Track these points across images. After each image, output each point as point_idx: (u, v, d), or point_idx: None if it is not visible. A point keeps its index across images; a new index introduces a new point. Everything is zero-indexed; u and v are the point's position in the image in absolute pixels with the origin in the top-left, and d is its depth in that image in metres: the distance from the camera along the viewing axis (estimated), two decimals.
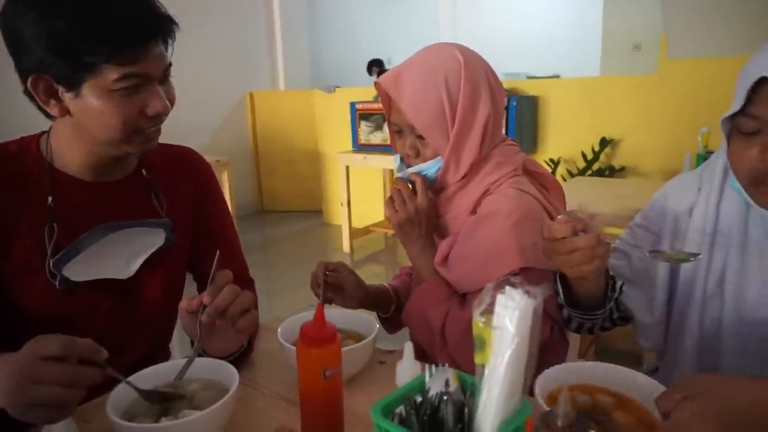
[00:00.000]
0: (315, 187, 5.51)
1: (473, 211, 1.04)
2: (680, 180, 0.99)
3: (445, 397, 0.55)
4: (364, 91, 4.70)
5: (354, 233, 4.46)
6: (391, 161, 4.02)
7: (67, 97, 0.83)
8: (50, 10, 0.77)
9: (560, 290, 0.92)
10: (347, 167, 4.28)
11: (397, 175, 1.08)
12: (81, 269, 0.90)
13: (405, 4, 8.09)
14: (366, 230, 4.61)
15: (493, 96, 1.03)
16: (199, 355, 0.82)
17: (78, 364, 0.66)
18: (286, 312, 0.95)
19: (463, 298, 1.04)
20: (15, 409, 0.65)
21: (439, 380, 0.57)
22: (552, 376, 0.73)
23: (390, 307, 1.23)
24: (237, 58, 5.65)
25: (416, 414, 0.54)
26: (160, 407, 0.74)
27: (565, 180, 3.77)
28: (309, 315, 0.70)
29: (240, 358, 0.93)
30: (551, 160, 3.90)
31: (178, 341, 1.20)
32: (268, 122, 5.83)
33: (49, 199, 0.90)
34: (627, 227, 1.03)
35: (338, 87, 5.08)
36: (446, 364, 0.60)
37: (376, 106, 4.21)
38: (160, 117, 0.88)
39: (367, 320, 0.99)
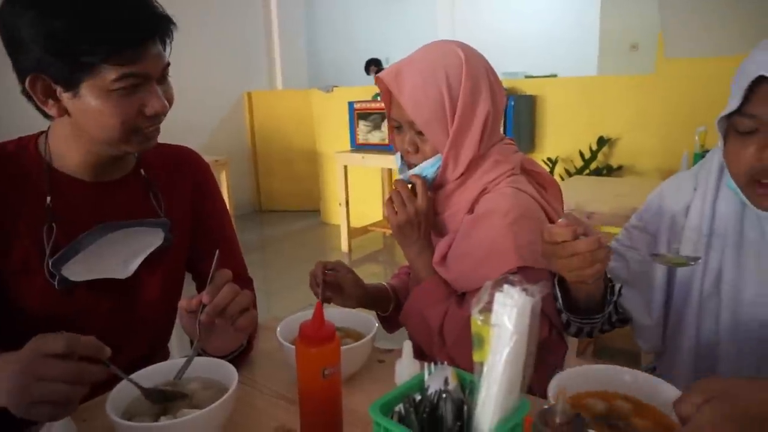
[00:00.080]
0: (313, 186, 5.51)
1: (471, 210, 1.04)
2: (675, 180, 0.99)
3: (444, 395, 0.55)
4: (363, 91, 4.70)
5: (352, 233, 4.46)
6: (390, 161, 4.02)
7: (65, 97, 0.83)
8: (48, 9, 0.77)
9: (558, 295, 0.92)
10: (345, 167, 4.29)
11: (398, 176, 1.08)
12: (80, 269, 0.90)
13: (403, 3, 8.09)
14: (364, 230, 4.62)
15: (493, 94, 1.03)
16: (199, 354, 0.82)
17: (80, 361, 0.66)
18: (284, 311, 0.95)
19: (461, 298, 1.05)
20: (18, 407, 0.65)
21: (438, 378, 0.58)
22: (565, 381, 0.71)
23: (389, 306, 1.23)
24: (235, 57, 5.65)
25: (415, 412, 0.55)
26: (160, 407, 0.74)
27: (562, 179, 3.78)
28: (308, 314, 0.70)
29: (239, 357, 0.93)
30: (549, 159, 3.90)
31: (177, 341, 1.20)
32: (266, 122, 5.83)
33: (48, 198, 0.90)
34: (623, 228, 1.03)
35: (336, 86, 5.08)
36: (445, 363, 0.61)
37: (374, 105, 4.21)
38: (158, 117, 0.88)
39: (366, 319, 0.99)
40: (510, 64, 5.75)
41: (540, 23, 7.16)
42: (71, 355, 0.66)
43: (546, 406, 0.56)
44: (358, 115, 4.27)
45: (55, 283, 0.88)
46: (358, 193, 4.60)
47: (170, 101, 0.90)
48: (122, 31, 0.79)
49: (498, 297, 0.52)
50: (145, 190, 1.01)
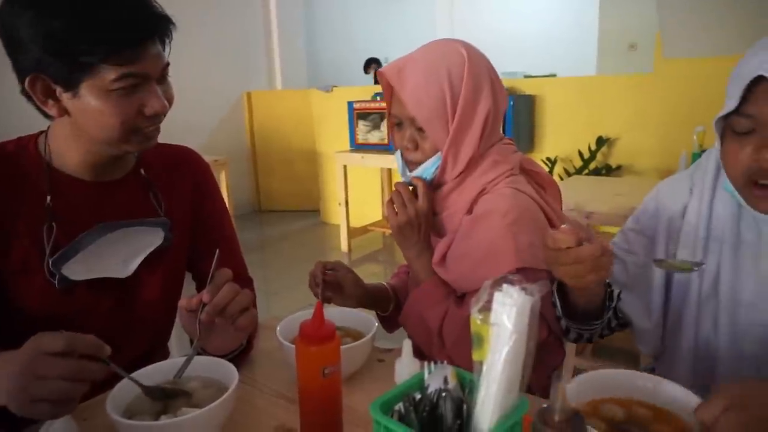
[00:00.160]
0: (313, 186, 5.51)
1: (469, 211, 1.04)
2: (671, 182, 0.99)
3: (443, 394, 0.55)
4: (362, 91, 4.70)
5: (352, 233, 4.46)
6: (390, 160, 4.02)
7: (65, 97, 0.83)
8: (46, 10, 0.77)
9: (557, 302, 0.91)
10: (345, 167, 4.29)
11: (400, 179, 1.09)
12: (80, 268, 0.90)
13: (402, 3, 8.09)
14: (364, 229, 4.62)
15: (495, 93, 1.03)
16: (199, 354, 0.82)
17: (80, 359, 0.67)
18: (284, 311, 0.95)
19: (461, 299, 1.05)
20: (18, 406, 0.65)
21: (437, 377, 0.58)
22: (582, 386, 0.70)
23: (389, 305, 1.23)
24: (234, 57, 5.64)
25: (415, 411, 0.55)
26: (160, 406, 0.74)
27: (562, 179, 3.78)
28: (308, 314, 0.70)
29: (239, 357, 0.93)
30: (548, 159, 3.91)
31: (177, 340, 1.20)
32: (265, 122, 5.83)
33: (48, 198, 0.90)
34: (620, 232, 1.02)
35: (335, 86, 5.08)
36: (444, 362, 0.61)
37: (373, 105, 4.21)
38: (158, 116, 0.88)
39: (365, 318, 1.00)
40: (509, 63, 5.75)
41: (539, 23, 7.16)
42: (71, 354, 0.66)
43: (545, 405, 0.56)
44: (357, 114, 4.27)
45: (56, 282, 0.88)
46: (357, 192, 4.60)
47: (170, 101, 0.90)
48: (121, 31, 0.79)
49: (497, 296, 0.53)
50: (145, 189, 1.01)
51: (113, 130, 0.85)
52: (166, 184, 1.04)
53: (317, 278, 1.09)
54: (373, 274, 3.92)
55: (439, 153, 1.03)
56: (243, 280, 1.12)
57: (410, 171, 1.08)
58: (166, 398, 0.75)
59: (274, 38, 5.97)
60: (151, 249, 0.98)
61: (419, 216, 1.04)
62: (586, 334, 0.96)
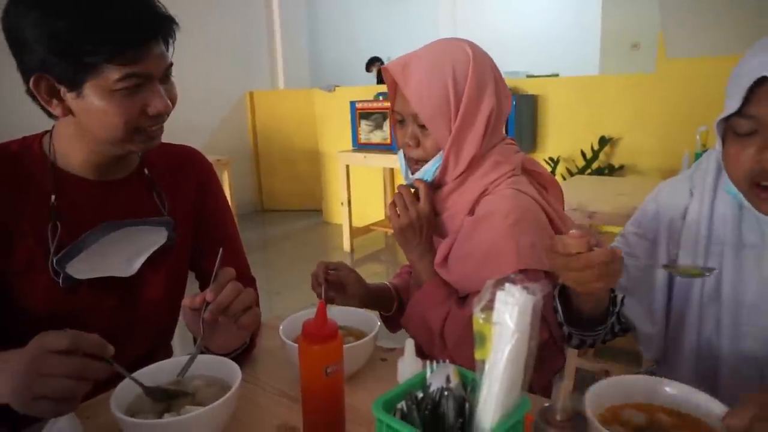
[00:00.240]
0: (315, 186, 5.52)
1: (471, 212, 1.04)
2: (670, 185, 0.98)
3: (445, 393, 0.55)
4: (364, 90, 4.71)
5: (354, 232, 4.46)
6: (392, 160, 4.02)
7: (69, 96, 0.83)
8: (51, 10, 0.78)
9: (559, 308, 0.90)
10: (347, 166, 4.29)
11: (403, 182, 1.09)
12: (84, 267, 0.91)
13: (405, 3, 8.09)
14: (366, 229, 4.62)
15: (498, 93, 1.03)
16: (202, 352, 0.83)
17: (83, 358, 0.67)
18: (286, 311, 0.96)
19: (462, 300, 1.05)
20: (21, 403, 0.66)
21: (440, 376, 0.58)
22: (603, 392, 0.68)
23: (392, 305, 1.23)
24: (237, 57, 5.66)
25: (417, 409, 0.55)
26: (163, 404, 0.75)
27: (564, 179, 3.77)
28: (310, 313, 0.71)
29: (242, 355, 0.94)
30: (551, 158, 3.90)
31: (180, 339, 1.20)
32: (267, 121, 5.84)
33: (52, 198, 0.90)
34: (619, 235, 1.01)
35: (338, 86, 5.09)
36: (446, 361, 0.61)
37: (376, 105, 4.21)
38: (161, 116, 0.89)
39: (368, 318, 1.00)
40: (512, 63, 5.75)
41: (541, 23, 7.16)
42: (75, 352, 0.66)
43: (547, 404, 0.56)
44: (360, 114, 4.28)
45: (60, 281, 0.88)
46: (360, 192, 4.61)
47: (173, 101, 0.90)
48: (125, 31, 0.80)
49: (500, 295, 0.53)
50: (148, 189, 1.02)
51: (117, 129, 0.85)
52: (169, 184, 1.04)
53: (319, 278, 1.09)
54: (375, 274, 3.93)
55: (440, 153, 1.03)
56: (246, 279, 1.13)
57: (412, 173, 1.08)
58: (167, 399, 0.75)
59: (276, 38, 5.98)
60: (155, 248, 0.98)
61: (421, 218, 1.04)
62: (589, 339, 0.94)
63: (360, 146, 4.31)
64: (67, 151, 0.92)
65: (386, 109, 4.08)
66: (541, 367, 0.99)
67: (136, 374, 0.76)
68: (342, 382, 0.72)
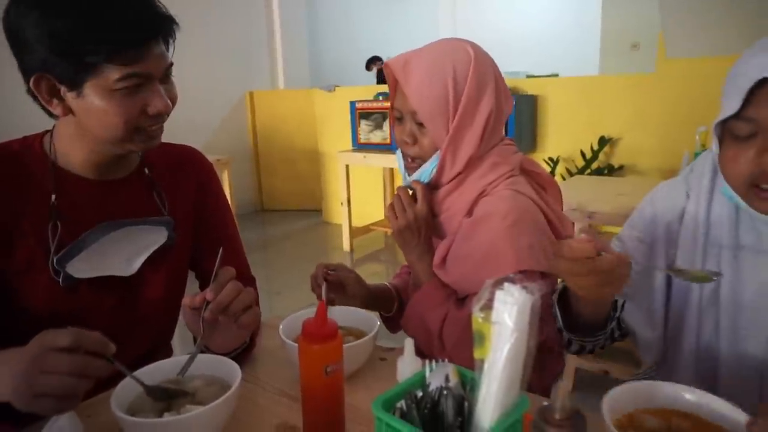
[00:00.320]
0: (315, 186, 5.52)
1: (469, 213, 1.04)
2: (666, 188, 0.97)
3: (445, 392, 0.56)
4: (364, 90, 4.71)
5: (354, 232, 4.46)
6: (392, 160, 4.03)
7: (69, 96, 0.84)
8: (52, 10, 0.78)
9: (558, 314, 0.89)
10: (347, 166, 4.29)
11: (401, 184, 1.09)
12: (84, 267, 0.91)
13: (405, 3, 8.09)
14: (366, 229, 4.62)
15: (498, 95, 1.03)
16: (202, 352, 0.83)
17: (85, 356, 0.67)
18: (286, 311, 0.96)
19: (461, 302, 1.05)
20: (22, 401, 0.66)
21: (439, 375, 0.58)
22: (619, 398, 0.67)
23: (392, 306, 1.23)
24: (237, 57, 5.66)
25: (417, 408, 0.55)
26: (163, 403, 0.75)
27: (564, 179, 3.78)
28: (310, 312, 0.71)
29: (242, 355, 0.94)
30: (550, 158, 3.90)
31: (180, 338, 1.21)
32: (267, 121, 5.84)
33: (53, 197, 0.90)
34: (615, 239, 1.00)
35: (338, 86, 5.09)
36: (446, 360, 0.61)
37: (375, 105, 4.22)
38: (161, 116, 0.89)
39: (368, 317, 1.00)
40: (511, 63, 5.76)
41: (541, 23, 7.16)
42: (77, 350, 0.67)
43: (546, 403, 0.57)
44: (359, 114, 4.28)
45: (60, 280, 0.89)
46: (359, 192, 4.61)
47: (173, 101, 0.91)
48: (125, 31, 0.80)
49: (499, 295, 0.53)
50: (148, 188, 1.02)
51: (117, 129, 0.85)
52: (169, 184, 1.05)
53: (319, 279, 1.09)
54: (375, 274, 3.93)
55: (437, 153, 1.03)
56: (246, 279, 1.13)
57: (408, 170, 1.08)
58: (168, 398, 0.75)
59: (276, 38, 5.98)
60: (155, 248, 0.98)
61: (418, 219, 1.04)
62: (589, 345, 0.93)
63: (360, 146, 4.32)
64: (68, 151, 0.93)
65: (386, 109, 4.08)
66: (540, 372, 0.99)
67: (135, 373, 0.76)
68: (342, 382, 0.72)
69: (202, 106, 5.11)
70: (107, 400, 0.70)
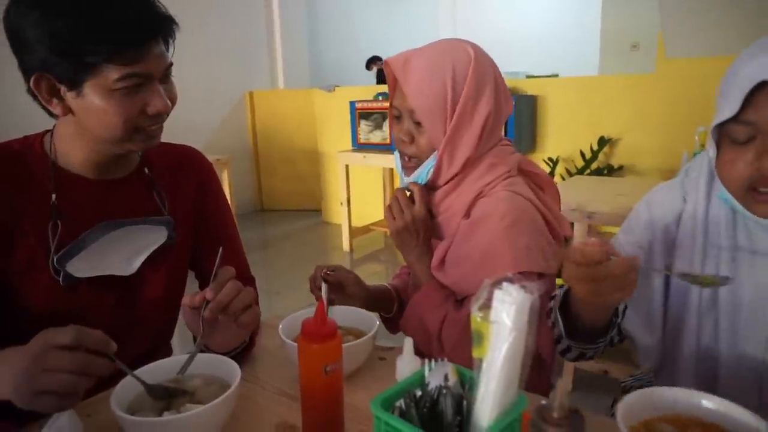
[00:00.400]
0: (315, 186, 5.52)
1: (467, 214, 1.04)
2: (662, 192, 0.96)
3: (444, 391, 0.56)
4: (364, 90, 4.71)
5: (354, 232, 4.47)
6: (391, 160, 4.03)
7: (69, 96, 0.84)
8: (52, 10, 0.78)
9: (560, 321, 0.87)
10: (347, 166, 4.30)
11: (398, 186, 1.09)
12: (84, 266, 0.91)
13: (405, 3, 8.09)
14: (366, 229, 4.63)
15: (497, 96, 1.03)
16: (202, 351, 0.83)
17: (87, 354, 0.67)
18: (286, 311, 0.96)
19: (459, 303, 1.05)
20: (22, 398, 0.66)
21: (438, 374, 0.58)
22: (637, 404, 0.66)
23: (392, 306, 1.23)
24: (237, 57, 5.66)
25: (416, 407, 0.55)
26: (163, 402, 0.75)
27: (563, 179, 3.78)
28: (310, 312, 0.71)
29: (241, 354, 0.94)
30: (550, 159, 3.91)
31: (180, 338, 1.21)
32: (267, 121, 5.84)
33: (53, 196, 0.91)
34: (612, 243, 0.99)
35: (338, 86, 5.09)
36: (445, 359, 0.61)
37: (375, 105, 4.22)
38: (161, 116, 0.89)
39: (367, 317, 1.00)
40: (511, 63, 5.76)
41: (541, 23, 7.16)
42: (78, 348, 0.67)
43: (544, 402, 0.57)
44: (359, 114, 4.28)
45: (60, 279, 0.89)
46: (359, 192, 4.61)
47: (173, 101, 0.91)
48: (125, 31, 0.80)
49: (497, 294, 0.53)
50: (148, 188, 1.02)
51: (116, 128, 0.86)
52: (170, 183, 1.05)
53: (317, 281, 1.09)
54: (374, 274, 3.93)
55: (434, 153, 1.03)
56: (245, 279, 1.13)
57: (404, 169, 1.09)
58: (168, 397, 0.75)
59: (276, 38, 5.98)
60: (155, 247, 0.98)
61: (416, 221, 1.04)
62: (589, 352, 0.92)
63: (359, 146, 4.32)
64: (68, 150, 0.93)
65: (386, 109, 4.08)
66: (539, 361, 0.99)
67: (135, 373, 0.76)
68: (341, 381, 0.72)
69: (202, 106, 5.11)
70: (107, 399, 0.70)
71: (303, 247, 4.72)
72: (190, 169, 1.09)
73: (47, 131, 0.96)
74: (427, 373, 0.60)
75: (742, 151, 0.76)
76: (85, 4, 0.79)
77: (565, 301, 0.87)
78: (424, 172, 1.05)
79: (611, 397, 1.18)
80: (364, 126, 4.28)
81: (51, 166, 0.92)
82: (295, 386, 0.74)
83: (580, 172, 3.77)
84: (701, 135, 2.44)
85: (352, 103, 4.30)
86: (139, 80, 0.83)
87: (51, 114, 0.89)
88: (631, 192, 2.30)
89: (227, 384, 0.76)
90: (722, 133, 0.80)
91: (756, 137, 0.75)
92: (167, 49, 0.88)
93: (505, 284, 0.53)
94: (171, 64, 0.89)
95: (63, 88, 0.83)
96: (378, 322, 0.97)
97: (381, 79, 6.24)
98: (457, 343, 1.00)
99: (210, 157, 1.19)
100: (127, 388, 0.74)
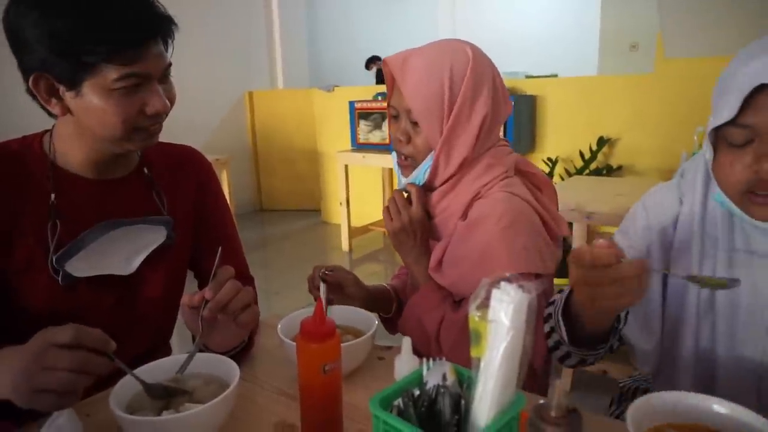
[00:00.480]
0: (314, 186, 5.52)
1: (464, 215, 1.04)
2: (658, 193, 0.95)
3: (442, 390, 0.56)
4: (363, 90, 4.71)
5: (353, 232, 4.47)
6: (390, 160, 4.05)
7: (68, 96, 0.84)
8: (51, 10, 0.78)
9: (563, 327, 0.85)
10: (346, 166, 4.30)
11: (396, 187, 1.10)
12: (83, 266, 0.91)
13: (404, 3, 8.09)
14: (365, 229, 4.63)
15: (495, 97, 1.03)
16: (201, 350, 0.83)
17: (86, 353, 0.68)
18: (285, 310, 0.96)
19: (457, 304, 1.05)
20: (22, 397, 0.66)
21: (436, 374, 0.59)
22: (646, 409, 0.64)
23: (391, 306, 1.23)
24: (236, 57, 5.66)
25: (414, 406, 0.56)
26: (162, 402, 0.75)
27: (562, 179, 3.78)
28: (308, 312, 0.71)
29: (240, 354, 0.94)
30: (549, 159, 3.91)
31: (179, 338, 1.21)
32: (267, 121, 5.84)
33: (52, 196, 0.91)
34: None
35: (337, 86, 5.09)
36: (443, 359, 0.62)
37: (375, 105, 4.22)
38: (159, 116, 0.89)
39: (366, 316, 1.00)
40: (511, 64, 5.76)
41: (541, 23, 7.17)
42: (78, 347, 0.67)
43: (542, 401, 0.57)
44: (359, 114, 4.28)
45: (59, 279, 0.89)
46: (358, 192, 4.61)
47: (172, 101, 0.91)
48: (124, 31, 0.80)
49: (495, 293, 0.53)
50: (148, 188, 1.02)
51: (115, 128, 0.86)
52: (169, 183, 1.05)
53: (316, 281, 1.09)
54: (373, 274, 3.93)
55: (431, 154, 1.03)
56: (244, 278, 1.13)
57: (401, 169, 1.09)
58: (167, 397, 0.75)
59: (275, 38, 5.98)
60: (154, 247, 0.99)
61: (413, 222, 1.04)
62: (590, 359, 0.90)
63: (359, 146, 4.32)
64: (67, 150, 0.93)
65: (385, 109, 4.08)
66: (533, 381, 0.98)
67: (135, 371, 0.76)
68: (340, 380, 0.72)
69: (201, 106, 5.11)
70: (106, 398, 0.70)
71: (302, 247, 4.72)
72: (189, 169, 1.10)
73: (46, 131, 0.96)
74: (425, 372, 0.60)
75: (739, 154, 0.75)
76: (85, 4, 0.79)
77: (566, 305, 0.86)
78: (421, 173, 1.05)
79: (609, 397, 1.18)
80: (363, 126, 4.28)
81: (50, 165, 0.92)
82: (294, 385, 0.74)
83: (579, 172, 3.77)
84: (700, 135, 2.44)
85: (351, 103, 4.30)
86: (137, 80, 0.83)
87: (50, 114, 0.89)
88: (630, 192, 2.31)
89: (226, 383, 0.76)
90: (719, 135, 0.79)
91: (754, 140, 0.74)
92: (166, 50, 0.88)
93: (503, 283, 0.53)
94: (170, 64, 0.89)
95: (62, 88, 0.83)
96: (377, 322, 0.97)
97: (380, 79, 6.24)
98: (455, 344, 1.00)
99: (209, 157, 1.19)
100: (126, 387, 0.75)
